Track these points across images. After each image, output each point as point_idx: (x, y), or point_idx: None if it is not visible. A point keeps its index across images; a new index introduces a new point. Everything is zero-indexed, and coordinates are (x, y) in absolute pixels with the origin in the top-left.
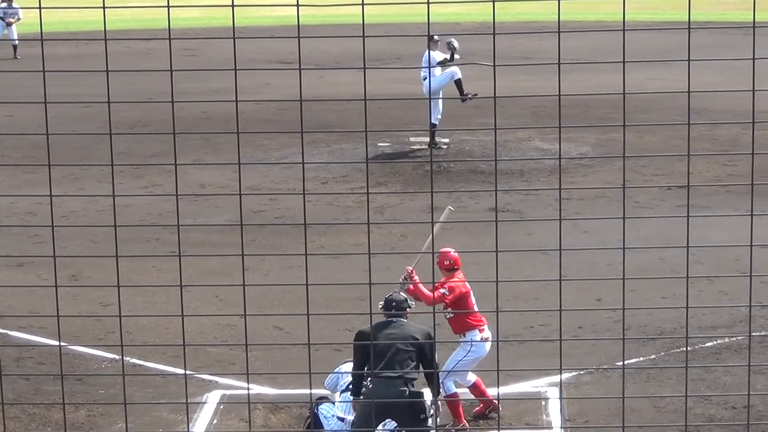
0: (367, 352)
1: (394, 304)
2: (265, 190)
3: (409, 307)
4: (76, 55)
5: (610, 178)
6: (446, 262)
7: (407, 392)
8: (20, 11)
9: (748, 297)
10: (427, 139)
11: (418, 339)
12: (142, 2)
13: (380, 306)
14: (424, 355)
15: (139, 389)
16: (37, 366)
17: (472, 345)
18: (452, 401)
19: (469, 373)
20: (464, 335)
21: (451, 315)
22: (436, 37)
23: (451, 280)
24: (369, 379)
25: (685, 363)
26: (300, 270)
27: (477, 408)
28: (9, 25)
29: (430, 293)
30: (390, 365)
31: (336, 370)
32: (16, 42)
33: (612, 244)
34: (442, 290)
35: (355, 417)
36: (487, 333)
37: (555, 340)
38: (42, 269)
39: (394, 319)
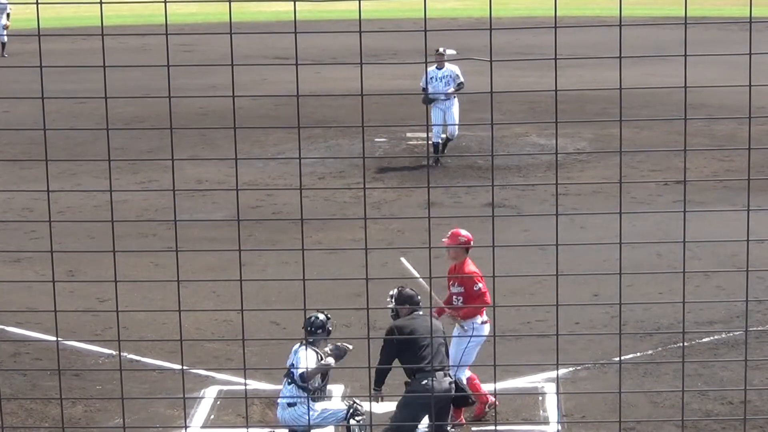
0: (402, 347)
1: (415, 299)
2: (262, 186)
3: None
4: (71, 51)
5: (607, 173)
6: (461, 240)
7: (453, 383)
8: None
9: (744, 292)
10: (424, 135)
11: (443, 329)
12: None
13: (392, 299)
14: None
15: (136, 385)
16: (34, 361)
17: (473, 329)
18: (474, 385)
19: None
20: (466, 321)
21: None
22: (441, 50)
23: (467, 264)
24: (416, 374)
25: (682, 358)
26: (297, 266)
27: (476, 410)
28: (5, 28)
29: (482, 300)
30: (435, 359)
31: (297, 361)
32: (5, 39)
33: (609, 240)
34: (481, 288)
35: (401, 411)
36: (486, 316)
37: (552, 335)
38: (39, 265)
39: (420, 313)
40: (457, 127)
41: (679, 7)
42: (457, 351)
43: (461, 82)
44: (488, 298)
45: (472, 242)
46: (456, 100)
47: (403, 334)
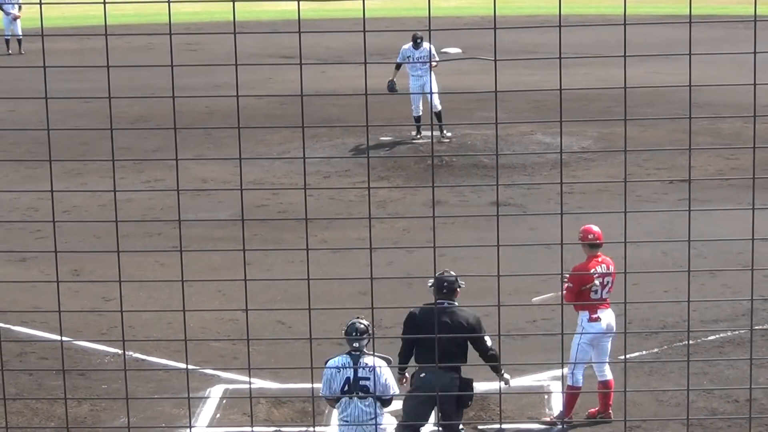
0: (414, 336)
1: (445, 284)
2: (267, 185)
3: (460, 286)
4: (77, 50)
5: (612, 172)
6: (590, 236)
7: (457, 380)
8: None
9: (750, 290)
10: (427, 133)
11: (466, 325)
12: None
13: (429, 285)
14: (474, 340)
15: (141, 384)
16: (39, 361)
17: (582, 327)
18: (572, 394)
19: (607, 368)
20: (578, 314)
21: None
22: (418, 37)
23: (595, 258)
24: (421, 368)
25: (687, 357)
26: (302, 265)
27: (592, 409)
28: (15, 19)
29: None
30: (440, 355)
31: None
32: (20, 36)
33: (614, 238)
34: (566, 294)
35: (405, 408)
36: (598, 314)
37: (557, 334)
38: (44, 264)
39: (444, 303)
40: (438, 100)
41: (684, 5)
42: (571, 348)
43: (437, 61)
44: (569, 297)
45: (592, 236)
46: (433, 75)
47: (414, 322)
